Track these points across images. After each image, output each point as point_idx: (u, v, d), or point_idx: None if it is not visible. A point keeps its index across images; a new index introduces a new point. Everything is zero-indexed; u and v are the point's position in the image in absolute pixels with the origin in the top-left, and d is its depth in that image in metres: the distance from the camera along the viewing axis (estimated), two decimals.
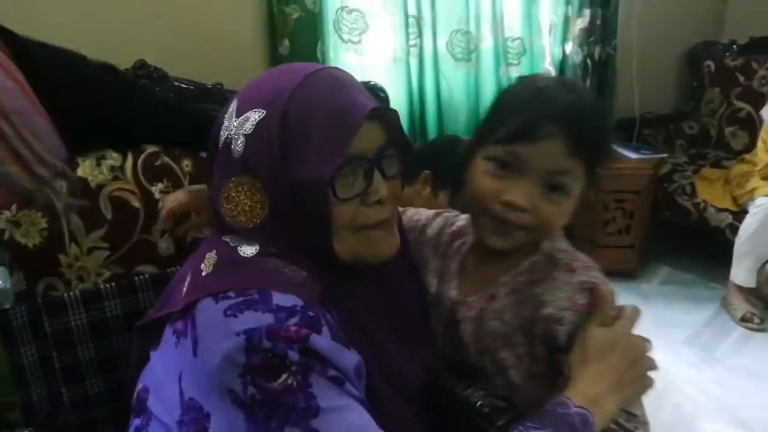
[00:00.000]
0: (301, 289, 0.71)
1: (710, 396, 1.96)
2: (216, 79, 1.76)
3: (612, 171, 2.59)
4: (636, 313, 0.84)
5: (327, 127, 0.71)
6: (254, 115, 0.73)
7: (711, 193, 2.56)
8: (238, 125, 0.74)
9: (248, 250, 0.75)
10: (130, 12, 1.71)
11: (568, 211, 0.84)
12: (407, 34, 2.20)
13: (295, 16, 1.89)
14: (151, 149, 1.62)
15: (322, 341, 0.69)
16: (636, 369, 0.79)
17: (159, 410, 0.76)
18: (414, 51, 2.24)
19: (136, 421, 0.78)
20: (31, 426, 0.93)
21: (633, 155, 2.68)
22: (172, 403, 0.73)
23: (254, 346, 0.65)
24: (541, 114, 0.78)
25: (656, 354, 0.82)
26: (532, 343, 0.84)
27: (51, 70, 1.04)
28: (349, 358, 0.72)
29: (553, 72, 2.63)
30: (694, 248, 2.79)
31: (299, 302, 0.69)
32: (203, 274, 0.74)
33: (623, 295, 2.49)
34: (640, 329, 0.83)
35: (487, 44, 2.44)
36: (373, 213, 0.76)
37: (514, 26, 2.51)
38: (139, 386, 0.80)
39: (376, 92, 1.94)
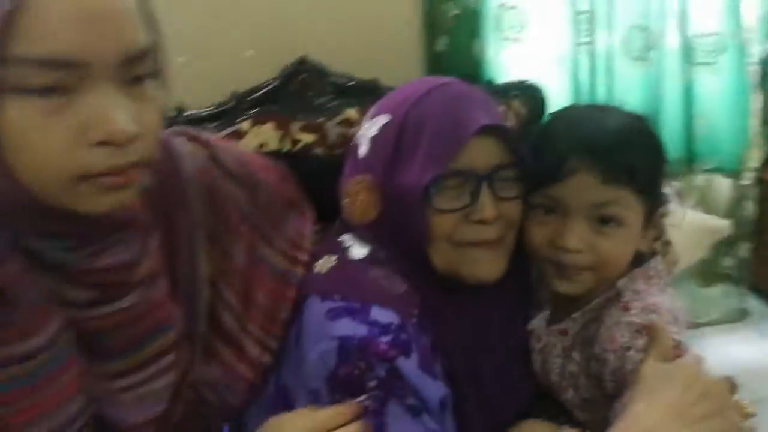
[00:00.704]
0: (400, 304, 0.74)
1: None
2: (373, 75, 1.81)
3: None
4: (701, 358, 0.74)
5: (436, 138, 0.74)
6: (381, 119, 0.79)
7: None
8: (368, 127, 0.81)
9: (359, 253, 0.80)
10: (292, 9, 1.82)
11: (632, 241, 0.78)
12: (577, 30, 2.08)
13: (453, 12, 1.87)
14: (307, 141, 1.73)
15: (409, 366, 0.71)
16: (708, 404, 0.68)
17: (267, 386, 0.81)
18: (584, 49, 2.11)
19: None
20: None
21: None
22: (270, 381, 0.79)
23: (346, 354, 0.70)
24: (562, 150, 0.75)
25: None
26: (596, 386, 0.79)
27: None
28: (434, 389, 0.72)
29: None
30: None
31: (396, 320, 0.72)
32: (315, 271, 0.79)
33: None
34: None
35: (671, 41, 2.22)
36: (473, 231, 0.76)
37: (709, 21, 2.25)
38: None
39: (533, 92, 1.87)
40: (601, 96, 2.18)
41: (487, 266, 0.78)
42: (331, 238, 0.84)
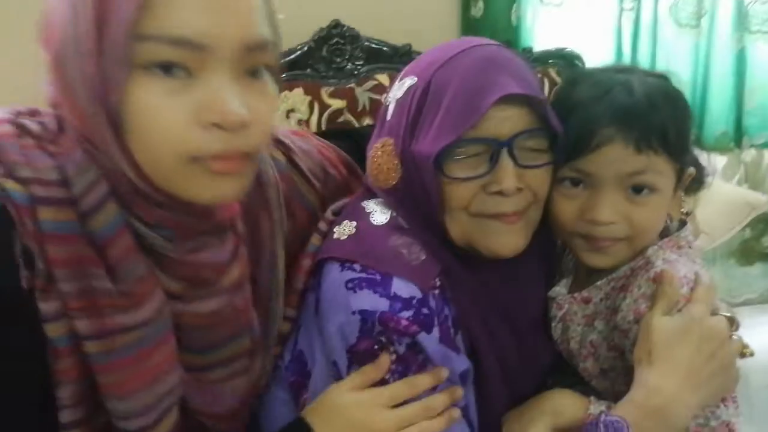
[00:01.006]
0: (421, 275, 0.72)
1: None
2: (406, 41, 1.78)
3: None
4: (710, 290, 0.70)
5: (456, 104, 0.70)
6: (408, 82, 0.75)
7: None
8: (395, 89, 0.77)
9: (380, 219, 0.77)
10: None
11: (665, 206, 0.74)
12: None
13: None
14: (336, 106, 1.72)
15: (430, 341, 0.70)
16: (716, 361, 0.67)
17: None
18: (629, 15, 2.02)
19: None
20: None
21: None
22: (286, 347, 0.79)
23: (367, 329, 0.69)
24: (591, 120, 0.70)
25: None
26: (617, 357, 0.75)
27: None
28: (457, 363, 0.72)
29: None
30: None
31: (417, 294, 0.70)
32: (335, 237, 0.77)
33: None
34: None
35: (724, 8, 2.11)
36: (491, 202, 0.72)
37: None
38: None
39: (571, 60, 1.81)
40: (642, 65, 2.09)
41: (505, 240, 0.74)
42: (354, 202, 0.82)
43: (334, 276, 0.72)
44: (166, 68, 0.55)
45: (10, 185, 0.55)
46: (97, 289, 0.58)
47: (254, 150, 0.60)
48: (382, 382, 0.70)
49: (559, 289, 0.83)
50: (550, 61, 1.77)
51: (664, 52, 2.10)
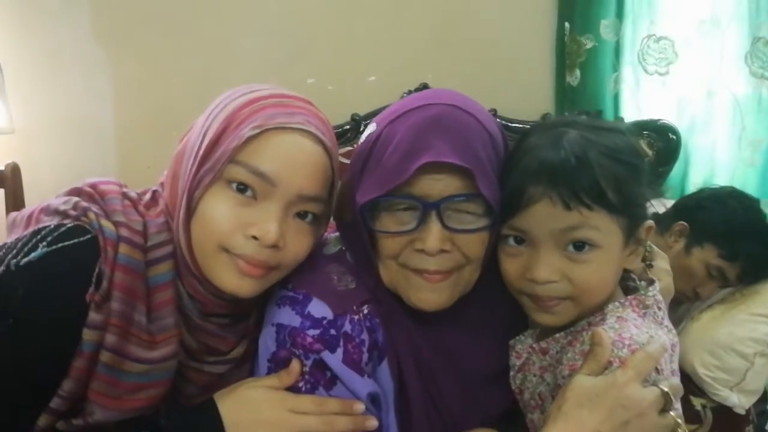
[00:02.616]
0: (340, 299, 0.77)
1: None
2: (494, 106, 1.79)
3: None
4: (649, 358, 0.66)
5: (390, 161, 0.73)
6: (371, 128, 0.80)
7: None
8: (365, 132, 0.81)
9: (330, 250, 0.85)
10: (417, 36, 1.86)
11: (611, 263, 0.72)
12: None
13: (589, 45, 1.79)
14: None
15: (333, 360, 0.75)
16: (628, 431, 0.63)
17: None
18: (743, 84, 1.87)
19: None
20: None
21: None
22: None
23: (280, 341, 0.76)
24: (519, 178, 0.71)
25: None
26: None
27: None
28: (361, 384, 0.76)
29: None
30: None
31: (329, 315, 0.76)
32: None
33: None
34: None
35: None
36: (415, 258, 0.75)
37: None
38: None
39: (665, 132, 1.72)
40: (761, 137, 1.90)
41: (425, 296, 0.76)
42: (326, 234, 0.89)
43: (274, 293, 0.80)
44: (242, 188, 0.74)
45: (106, 224, 0.74)
46: (134, 320, 0.73)
47: (276, 266, 0.76)
48: (296, 391, 0.76)
49: (523, 338, 0.82)
50: (644, 132, 1.69)
51: None
